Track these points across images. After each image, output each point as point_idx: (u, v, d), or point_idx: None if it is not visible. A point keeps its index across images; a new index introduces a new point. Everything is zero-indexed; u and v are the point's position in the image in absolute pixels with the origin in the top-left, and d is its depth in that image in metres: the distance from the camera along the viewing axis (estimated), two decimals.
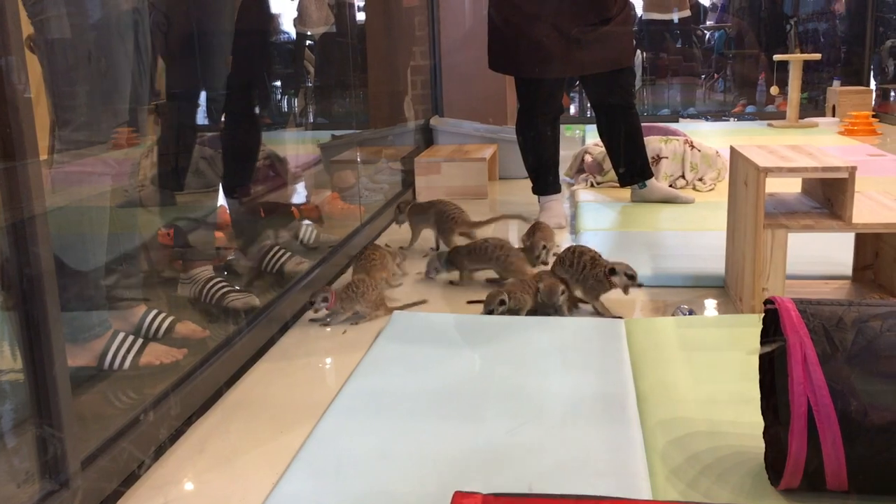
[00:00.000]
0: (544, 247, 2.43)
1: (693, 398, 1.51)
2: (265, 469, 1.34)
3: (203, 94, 2.38)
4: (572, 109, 7.67)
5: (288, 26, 3.87)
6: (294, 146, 4.17)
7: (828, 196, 1.94)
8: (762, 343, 1.23)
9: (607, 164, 3.57)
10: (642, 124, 3.20)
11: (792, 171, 1.83)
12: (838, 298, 1.17)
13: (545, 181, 3.12)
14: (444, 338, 1.88)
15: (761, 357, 1.24)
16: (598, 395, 1.53)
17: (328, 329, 2.02)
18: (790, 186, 2.16)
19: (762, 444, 1.22)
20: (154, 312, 1.87)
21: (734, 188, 2.12)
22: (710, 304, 2.11)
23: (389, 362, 1.73)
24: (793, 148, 2.07)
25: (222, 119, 2.40)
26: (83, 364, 1.67)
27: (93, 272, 1.74)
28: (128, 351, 1.70)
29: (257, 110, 2.52)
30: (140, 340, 1.73)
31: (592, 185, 3.64)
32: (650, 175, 3.22)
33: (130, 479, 1.31)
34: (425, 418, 1.47)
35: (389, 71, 4.29)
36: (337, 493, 1.23)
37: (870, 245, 2.11)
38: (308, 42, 4.18)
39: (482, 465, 1.29)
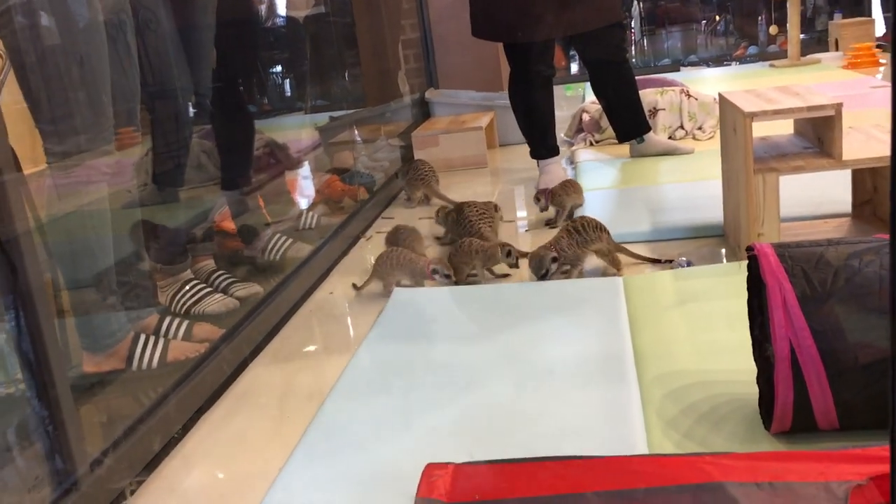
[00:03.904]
0: (538, 199, 2.49)
1: (690, 350, 1.52)
2: (273, 455, 1.37)
3: (194, 89, 2.39)
4: (574, 68, 7.59)
5: (274, 11, 3.86)
6: (292, 131, 4.18)
7: (818, 135, 1.92)
8: (748, 290, 1.24)
9: (605, 122, 3.55)
10: (642, 77, 3.18)
11: (777, 113, 1.81)
12: (818, 239, 1.17)
13: (542, 145, 3.10)
14: (445, 311, 1.90)
15: (749, 304, 1.24)
16: (597, 356, 1.54)
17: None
18: (783, 128, 2.14)
19: (756, 391, 1.23)
20: (169, 318, 1.90)
21: (725, 135, 2.11)
22: (710, 254, 2.11)
23: (391, 340, 1.76)
24: (780, 89, 2.05)
25: (214, 112, 2.41)
26: (111, 368, 1.72)
27: (105, 277, 1.77)
28: (153, 350, 1.74)
29: (246, 100, 2.53)
30: (162, 339, 1.77)
31: (591, 144, 3.62)
32: (648, 129, 3.19)
33: (142, 474, 1.34)
34: (427, 392, 1.49)
35: (380, 47, 4.27)
36: (342, 473, 1.25)
37: (867, 180, 2.09)
38: (297, 24, 4.17)
39: (485, 434, 1.31)
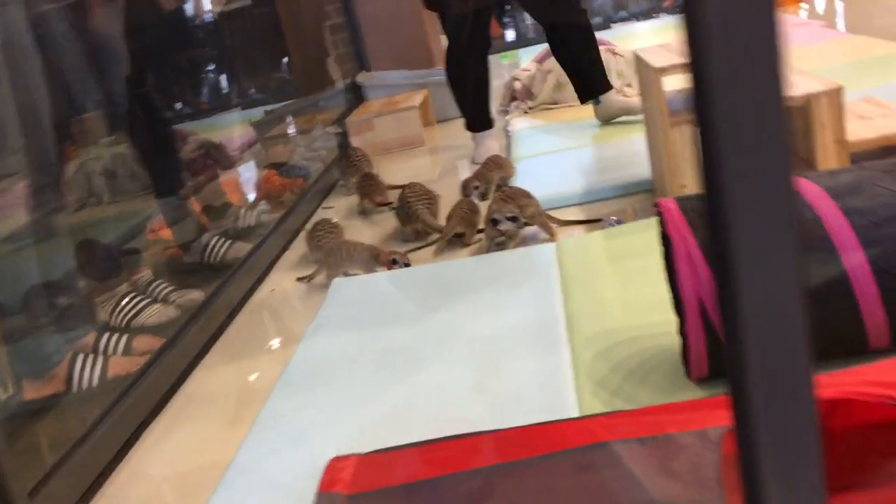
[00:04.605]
0: (476, 187, 2.45)
1: (620, 307, 1.55)
2: (219, 460, 1.37)
3: (107, 100, 2.36)
4: (510, 35, 7.58)
5: (193, 10, 3.79)
6: (227, 130, 4.14)
7: None
8: (662, 244, 1.27)
9: (536, 88, 3.57)
10: None
11: (684, 66, 1.83)
12: None
13: (477, 117, 3.09)
14: (384, 297, 1.91)
15: (664, 257, 1.27)
16: (532, 324, 1.57)
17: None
18: None
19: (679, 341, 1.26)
20: (108, 334, 1.88)
21: (643, 91, 2.14)
22: (641, 210, 2.14)
23: (331, 331, 1.76)
24: None
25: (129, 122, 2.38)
26: (51, 392, 1.70)
27: (33, 301, 1.75)
28: (92, 369, 1.73)
29: (159, 104, 2.48)
30: (101, 357, 1.75)
31: (525, 112, 3.63)
32: (608, 87, 3.04)
33: (87, 495, 1.34)
34: (368, 380, 1.50)
35: (307, 35, 4.23)
36: (286, 469, 1.26)
37: None
38: (219, 21, 4.11)
39: (423, 416, 1.33)
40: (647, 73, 1.96)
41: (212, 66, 4.21)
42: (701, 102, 0.46)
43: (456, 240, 2.19)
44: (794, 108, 2.00)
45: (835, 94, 1.86)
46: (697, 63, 0.46)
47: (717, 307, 0.49)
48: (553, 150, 2.97)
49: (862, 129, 1.97)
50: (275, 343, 1.86)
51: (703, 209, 0.54)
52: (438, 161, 3.41)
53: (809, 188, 1.12)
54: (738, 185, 0.45)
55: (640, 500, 0.71)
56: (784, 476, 0.48)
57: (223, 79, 4.34)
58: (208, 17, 3.97)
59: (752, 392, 0.48)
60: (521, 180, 2.54)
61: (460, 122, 3.22)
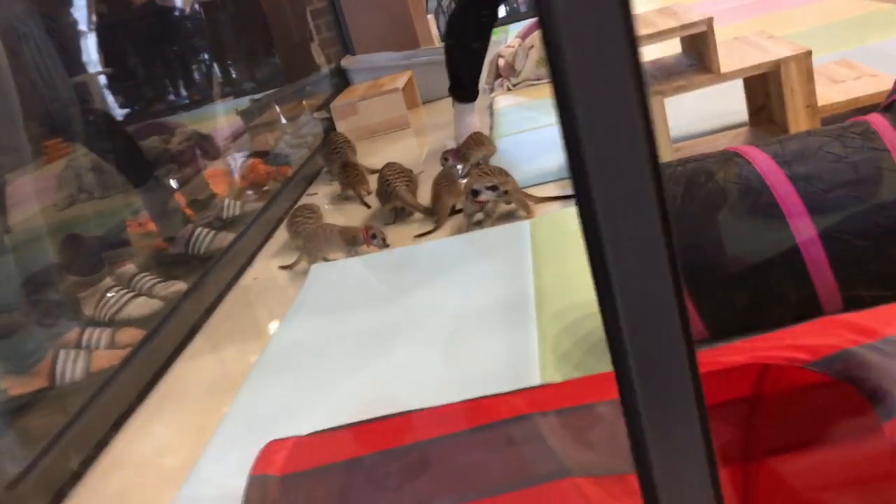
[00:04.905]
0: (445, 159, 2.49)
1: (587, 282, 1.55)
2: (197, 450, 1.39)
3: (80, 97, 2.36)
4: (502, 11, 7.53)
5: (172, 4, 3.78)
6: (215, 120, 4.14)
7: (698, 51, 1.96)
8: None
9: (519, 65, 3.56)
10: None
11: (652, 37, 1.84)
12: (679, 158, 1.20)
13: (465, 87, 3.05)
14: (362, 281, 1.93)
15: None
16: (503, 302, 1.58)
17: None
18: (673, 48, 2.16)
19: None
20: (90, 329, 1.90)
21: None
22: None
23: (307, 317, 1.78)
24: (660, 12, 2.07)
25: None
26: (36, 388, 1.73)
27: (12, 299, 1.77)
28: (76, 364, 1.75)
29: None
30: (84, 351, 1.78)
31: (509, 89, 3.62)
32: None
33: (66, 487, 1.37)
34: (341, 364, 1.52)
35: (290, 21, 4.22)
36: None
37: (759, 87, 2.13)
38: (202, 11, 4.10)
39: (392, 396, 1.35)
40: None
41: (194, 57, 4.21)
42: (559, 94, 0.47)
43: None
44: (767, 73, 2.00)
45: (803, 59, 1.86)
46: (553, 56, 0.47)
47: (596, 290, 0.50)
48: (534, 128, 2.96)
49: (833, 92, 1.97)
50: (255, 332, 1.88)
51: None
52: (424, 142, 3.41)
53: (758, 156, 1.13)
54: (599, 170, 0.46)
55: (556, 470, 0.72)
56: (666, 445, 0.50)
57: (207, 69, 4.33)
58: (189, 7, 3.96)
59: (629, 367, 0.49)
60: (502, 158, 2.55)
61: (445, 103, 3.21)
